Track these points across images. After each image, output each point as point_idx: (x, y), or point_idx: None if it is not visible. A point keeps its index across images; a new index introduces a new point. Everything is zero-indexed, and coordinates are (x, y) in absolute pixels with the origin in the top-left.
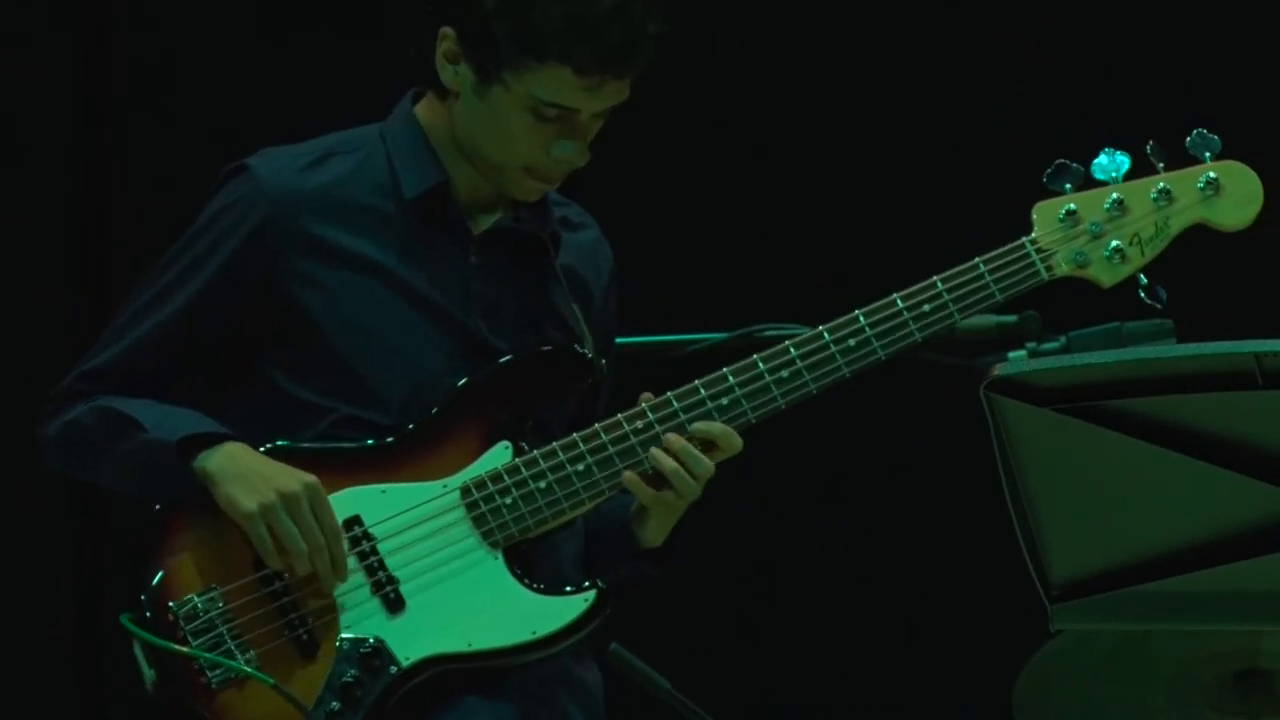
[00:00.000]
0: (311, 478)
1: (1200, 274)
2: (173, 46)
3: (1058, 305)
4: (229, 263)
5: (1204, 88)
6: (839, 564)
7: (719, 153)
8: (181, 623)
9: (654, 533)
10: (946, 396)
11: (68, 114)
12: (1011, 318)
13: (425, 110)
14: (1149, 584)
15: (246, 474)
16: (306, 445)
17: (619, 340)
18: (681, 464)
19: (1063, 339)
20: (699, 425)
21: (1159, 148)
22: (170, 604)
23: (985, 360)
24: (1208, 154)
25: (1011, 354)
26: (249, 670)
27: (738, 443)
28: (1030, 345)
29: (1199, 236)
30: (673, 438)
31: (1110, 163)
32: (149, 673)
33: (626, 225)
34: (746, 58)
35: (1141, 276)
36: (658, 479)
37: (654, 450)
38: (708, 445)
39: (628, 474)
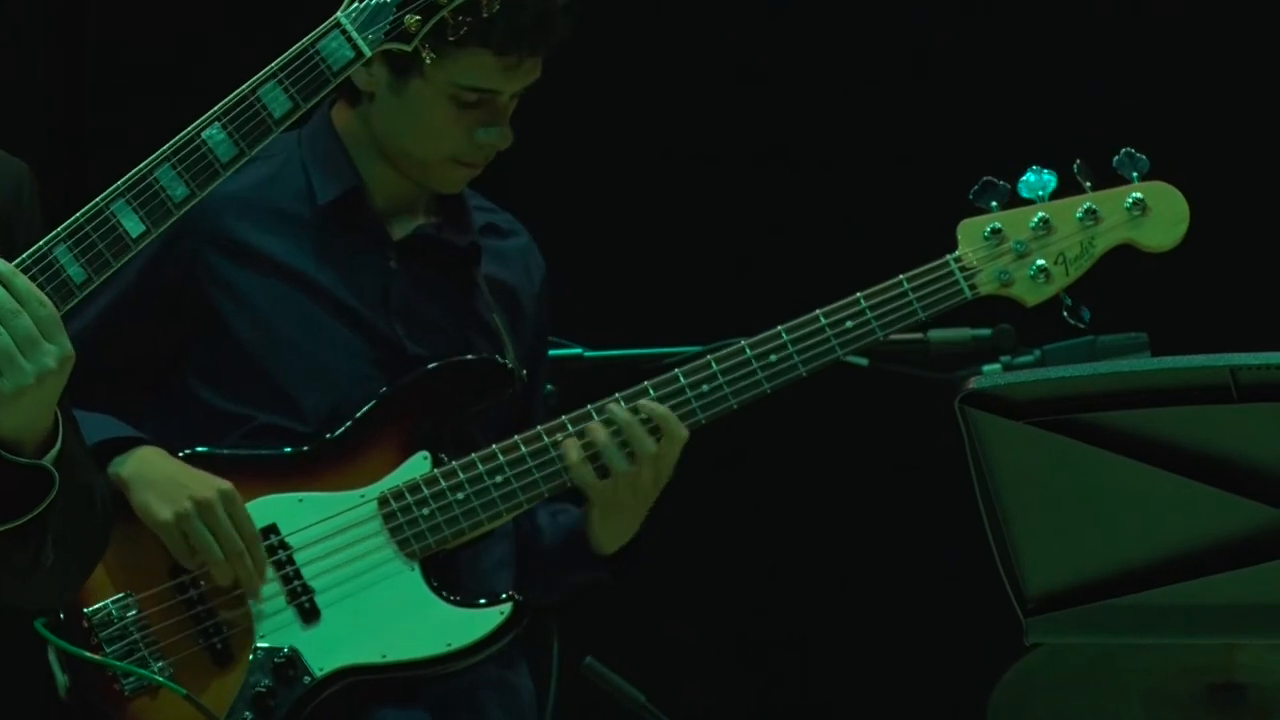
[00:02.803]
0: (226, 484)
1: (1174, 287)
2: (139, 62)
3: (1032, 319)
4: (146, 270)
5: (1134, 106)
6: (814, 577)
7: (693, 169)
8: (95, 629)
9: (604, 535)
10: (921, 410)
11: (40, 129)
12: (986, 331)
13: (339, 115)
14: (1124, 597)
15: (160, 480)
16: (226, 452)
17: (596, 354)
18: (619, 439)
19: (1037, 352)
20: (644, 403)
21: (1086, 166)
22: (85, 610)
23: (960, 374)
24: (1135, 174)
25: (986, 367)
26: (161, 680)
27: (682, 432)
28: (1005, 359)
29: (1175, 249)
30: (615, 409)
31: (1037, 181)
32: (62, 678)
33: (608, 237)
34: (715, 85)
35: (1065, 296)
36: (603, 468)
37: (589, 424)
38: (654, 430)
39: (573, 457)
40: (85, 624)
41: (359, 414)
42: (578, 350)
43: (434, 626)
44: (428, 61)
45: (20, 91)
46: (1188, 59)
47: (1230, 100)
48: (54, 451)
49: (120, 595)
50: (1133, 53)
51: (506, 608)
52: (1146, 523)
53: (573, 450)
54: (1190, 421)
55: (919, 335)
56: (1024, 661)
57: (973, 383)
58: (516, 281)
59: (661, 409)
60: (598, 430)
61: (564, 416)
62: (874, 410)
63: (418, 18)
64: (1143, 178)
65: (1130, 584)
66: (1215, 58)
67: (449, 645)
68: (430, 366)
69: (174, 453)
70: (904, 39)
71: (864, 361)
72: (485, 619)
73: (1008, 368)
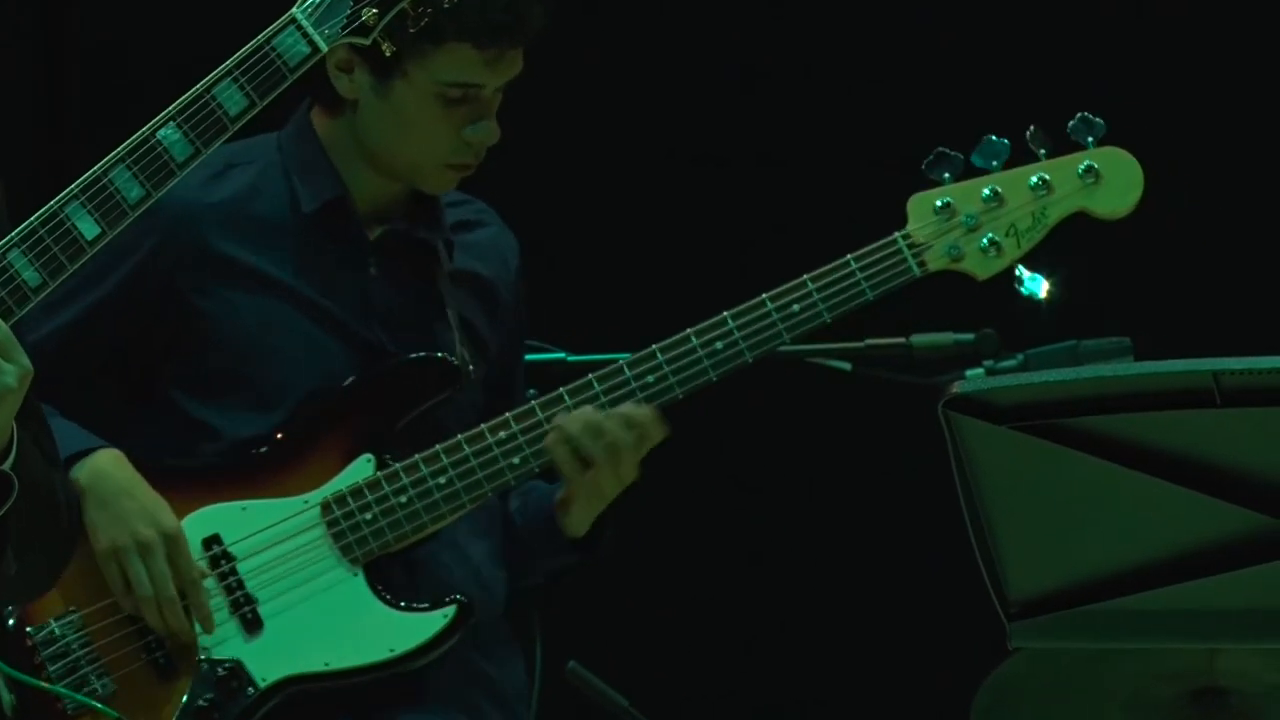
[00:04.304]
0: (172, 524)
1: (1158, 292)
2: (127, 64)
3: (1015, 323)
4: (127, 279)
5: (1121, 105)
6: (798, 581)
7: (678, 173)
8: (38, 648)
9: (578, 520)
10: (904, 414)
11: (25, 131)
12: (969, 335)
13: (320, 121)
14: (1107, 602)
15: (109, 503)
16: (170, 462)
17: (579, 359)
18: (592, 433)
19: (1020, 357)
20: (625, 407)
21: (1041, 134)
22: (28, 629)
23: (943, 378)
24: (1090, 139)
25: (969, 372)
26: (89, 701)
27: (659, 429)
28: (988, 363)
29: (1161, 252)
30: (580, 413)
31: (990, 150)
32: (9, 698)
33: (591, 242)
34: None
35: (1021, 270)
36: (584, 460)
37: (558, 422)
38: (629, 425)
39: (556, 448)
40: (29, 643)
41: (301, 419)
42: (560, 355)
43: (377, 632)
44: (387, 54)
45: (6, 94)
46: (1175, 56)
47: (1220, 102)
48: (10, 460)
49: (64, 611)
50: (1126, 55)
51: (450, 610)
52: (1130, 527)
53: (559, 446)
54: (1173, 426)
55: (902, 340)
56: (1006, 666)
57: (956, 387)
58: (492, 273)
59: (641, 413)
60: (573, 423)
61: (508, 414)
62: (857, 415)
63: (375, 11)
64: (1099, 143)
65: (1113, 589)
66: (1203, 55)
67: (391, 651)
68: (371, 369)
69: (138, 460)
70: (866, 6)
71: (847, 366)
72: (428, 623)
73: (991, 372)
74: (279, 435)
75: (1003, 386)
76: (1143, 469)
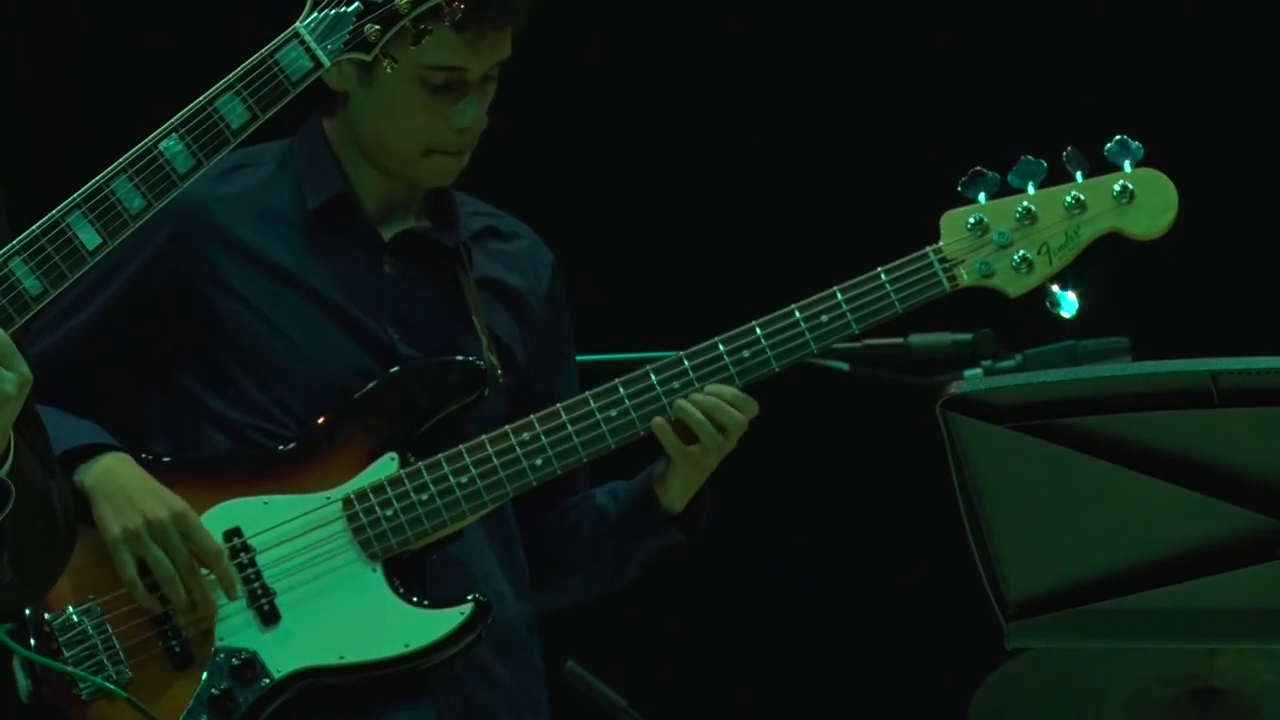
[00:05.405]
0: (180, 505)
1: (1156, 292)
2: (127, 65)
3: (1013, 323)
4: (138, 276)
5: (1127, 107)
6: (795, 582)
7: (675, 173)
8: (56, 633)
9: (677, 495)
10: (902, 414)
11: (25, 132)
12: (967, 336)
13: (326, 121)
14: (1105, 602)
15: (116, 495)
16: (188, 458)
17: (595, 358)
18: (708, 416)
19: (1018, 357)
20: (714, 386)
21: (1078, 154)
22: (46, 615)
23: (941, 378)
24: (1127, 161)
25: (967, 372)
26: (105, 684)
27: (753, 405)
28: (986, 363)
29: (1160, 252)
30: (698, 396)
31: (1028, 170)
32: (24, 682)
33: (587, 243)
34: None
35: (1052, 288)
36: (685, 433)
37: (679, 402)
38: (733, 405)
39: (658, 422)
40: (46, 628)
41: (330, 417)
42: None
43: (393, 627)
44: (389, 70)
45: (6, 94)
46: (1174, 55)
47: (1219, 103)
48: (7, 466)
49: (83, 600)
50: (1124, 55)
51: (467, 608)
52: (1128, 527)
53: (660, 423)
54: (1171, 426)
55: (900, 340)
56: (1005, 666)
57: (954, 387)
58: (521, 283)
59: (729, 391)
60: (688, 408)
61: (532, 416)
62: (855, 415)
63: (378, 27)
64: (1136, 166)
65: (1111, 589)
66: (1202, 55)
67: (406, 646)
68: (398, 369)
69: (157, 455)
70: (909, 21)
71: (845, 366)
72: (444, 620)
73: (989, 372)
74: (306, 431)
75: (1001, 387)
76: (1141, 469)
